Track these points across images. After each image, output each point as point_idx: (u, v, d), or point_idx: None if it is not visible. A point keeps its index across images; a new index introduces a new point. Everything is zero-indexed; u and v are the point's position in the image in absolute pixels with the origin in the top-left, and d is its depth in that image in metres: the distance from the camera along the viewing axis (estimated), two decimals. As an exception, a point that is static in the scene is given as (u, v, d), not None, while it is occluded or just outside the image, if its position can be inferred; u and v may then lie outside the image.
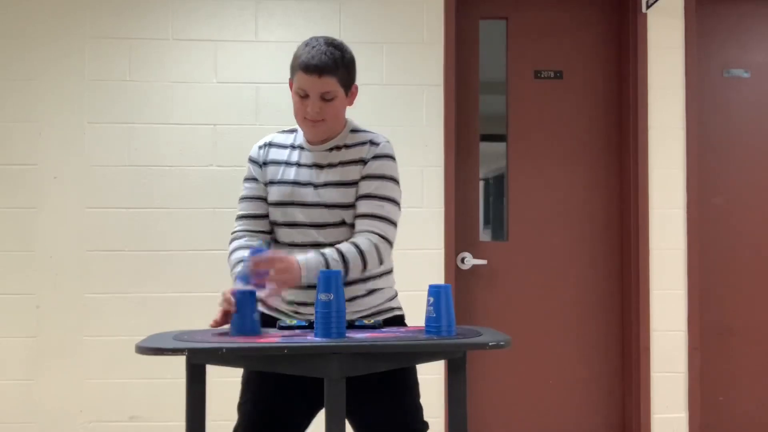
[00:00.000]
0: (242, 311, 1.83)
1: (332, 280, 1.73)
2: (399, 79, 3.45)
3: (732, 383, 3.62)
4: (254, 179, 2.11)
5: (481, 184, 3.63)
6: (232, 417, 3.51)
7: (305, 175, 2.03)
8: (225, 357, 1.73)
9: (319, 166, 2.03)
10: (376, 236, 1.97)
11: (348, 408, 1.93)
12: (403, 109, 3.45)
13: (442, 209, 3.44)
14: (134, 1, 3.41)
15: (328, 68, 1.92)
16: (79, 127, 3.36)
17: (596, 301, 3.63)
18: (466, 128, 3.60)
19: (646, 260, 3.50)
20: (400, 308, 2.16)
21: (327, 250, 1.92)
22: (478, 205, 3.61)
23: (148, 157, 3.38)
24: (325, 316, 1.73)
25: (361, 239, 1.95)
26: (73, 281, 3.33)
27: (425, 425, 2.06)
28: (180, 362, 3.28)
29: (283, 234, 2.07)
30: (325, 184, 2.01)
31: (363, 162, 2.01)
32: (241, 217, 2.11)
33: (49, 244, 3.33)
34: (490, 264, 3.58)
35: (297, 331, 1.91)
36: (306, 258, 1.88)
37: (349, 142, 2.05)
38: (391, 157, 2.04)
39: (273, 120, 3.40)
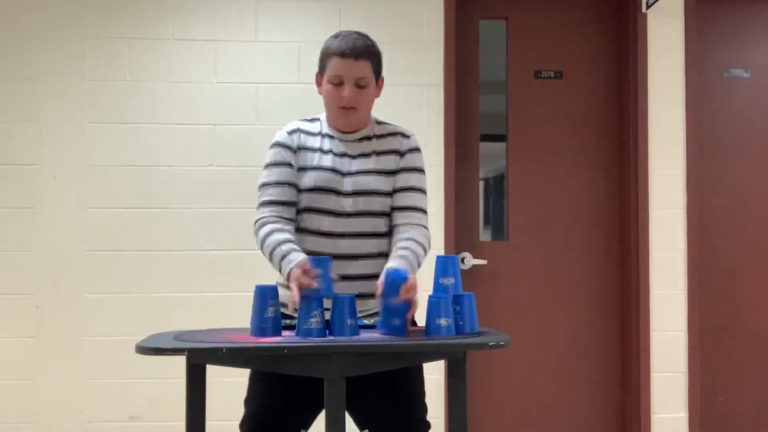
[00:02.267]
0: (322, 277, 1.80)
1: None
2: (399, 79, 3.45)
3: (732, 383, 3.62)
4: (286, 164, 2.03)
5: (481, 184, 3.63)
6: (232, 417, 3.51)
7: (340, 163, 2.03)
8: (225, 357, 1.73)
9: (351, 156, 2.05)
10: (424, 230, 2.06)
11: (351, 404, 1.92)
12: (403, 109, 3.45)
13: (442, 209, 3.44)
14: (134, 1, 3.41)
15: (363, 52, 1.99)
16: (79, 127, 3.36)
17: (596, 302, 3.63)
18: (466, 128, 3.60)
19: (646, 260, 3.50)
20: None
21: (409, 255, 1.95)
22: (478, 205, 3.61)
23: (148, 157, 3.38)
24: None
25: (417, 234, 2.02)
26: (73, 281, 3.33)
27: (427, 425, 2.06)
28: (180, 362, 3.28)
29: (314, 221, 2.02)
30: (362, 172, 2.03)
31: (398, 153, 2.08)
32: (268, 203, 2.02)
33: (49, 244, 3.33)
34: (490, 264, 3.58)
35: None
36: (407, 268, 1.89)
37: (378, 132, 2.10)
38: (420, 150, 2.13)
39: (273, 120, 3.40)
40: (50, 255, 3.33)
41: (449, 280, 1.86)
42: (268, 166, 2.05)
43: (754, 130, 3.67)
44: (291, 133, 2.06)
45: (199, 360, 1.78)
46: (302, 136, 2.06)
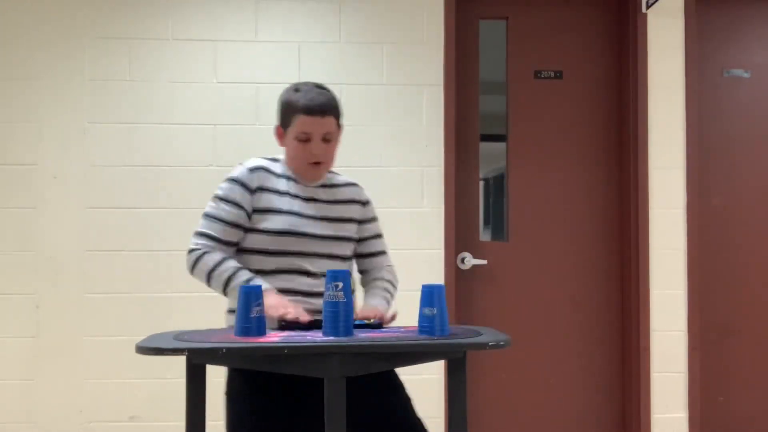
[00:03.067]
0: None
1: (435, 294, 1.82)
2: (399, 79, 3.45)
3: (732, 383, 3.62)
4: (237, 204, 2.02)
5: (481, 184, 3.63)
6: (232, 417, 3.48)
7: (306, 208, 2.08)
8: (225, 357, 1.73)
9: (318, 201, 2.12)
10: (393, 268, 2.31)
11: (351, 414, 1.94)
12: (403, 109, 3.46)
13: (442, 209, 3.44)
14: (134, 1, 3.41)
15: (329, 108, 2.01)
16: (79, 127, 3.36)
17: (596, 301, 3.63)
18: (466, 128, 3.60)
19: (646, 260, 3.50)
20: None
21: (385, 292, 2.20)
22: (478, 205, 3.61)
23: (148, 157, 3.38)
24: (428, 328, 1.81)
25: (390, 275, 2.28)
26: (73, 281, 3.33)
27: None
28: (180, 362, 3.28)
29: (274, 262, 2.03)
30: (336, 220, 2.12)
31: (359, 203, 2.22)
32: (208, 237, 2.02)
33: (49, 244, 3.33)
34: (490, 264, 3.58)
35: (296, 331, 1.91)
36: (384, 304, 2.14)
37: (334, 181, 2.19)
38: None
39: (273, 120, 3.40)
40: (50, 255, 3.33)
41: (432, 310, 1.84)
42: (221, 199, 2.03)
43: (754, 130, 3.67)
44: (252, 170, 2.05)
45: (199, 360, 1.77)
46: (264, 175, 2.06)
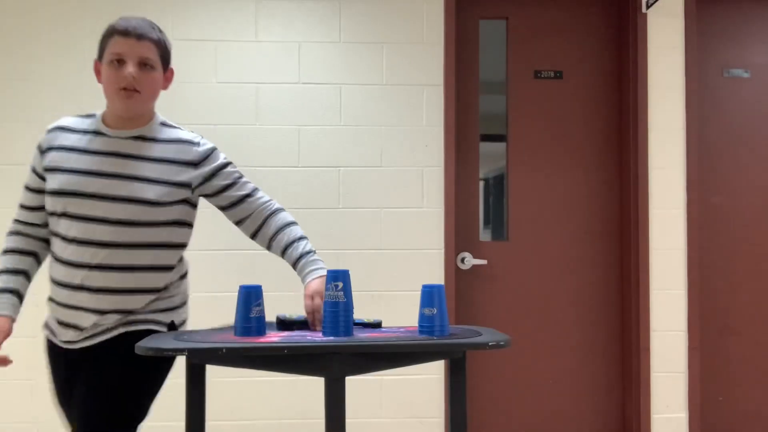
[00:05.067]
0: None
1: (435, 294, 1.81)
2: (399, 79, 3.45)
3: (732, 383, 3.62)
4: (33, 169, 1.95)
5: (481, 184, 3.63)
6: (233, 417, 3.52)
7: (103, 164, 1.87)
8: (225, 357, 1.73)
9: (123, 156, 1.89)
10: (272, 203, 2.04)
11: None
12: (403, 109, 3.46)
13: (442, 209, 3.44)
14: (134, 2, 3.41)
15: (147, 32, 1.87)
16: (79, 127, 3.36)
17: (596, 301, 3.63)
18: (466, 128, 3.60)
19: (646, 260, 3.50)
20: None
21: (302, 248, 2.00)
22: (478, 205, 3.61)
23: (148, 157, 3.37)
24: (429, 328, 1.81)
25: (284, 215, 2.03)
26: (73, 281, 3.33)
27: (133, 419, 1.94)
28: (180, 362, 3.28)
29: (66, 226, 1.88)
30: (139, 179, 1.87)
31: (185, 163, 1.94)
32: (21, 206, 1.99)
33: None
34: (490, 264, 3.58)
35: (296, 330, 1.91)
36: (319, 273, 1.96)
37: (159, 136, 1.94)
38: (215, 147, 2.00)
39: (273, 120, 3.40)
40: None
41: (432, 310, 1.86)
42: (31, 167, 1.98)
43: (754, 130, 3.67)
44: (50, 131, 1.94)
45: (199, 360, 1.77)
46: (57, 134, 1.93)
